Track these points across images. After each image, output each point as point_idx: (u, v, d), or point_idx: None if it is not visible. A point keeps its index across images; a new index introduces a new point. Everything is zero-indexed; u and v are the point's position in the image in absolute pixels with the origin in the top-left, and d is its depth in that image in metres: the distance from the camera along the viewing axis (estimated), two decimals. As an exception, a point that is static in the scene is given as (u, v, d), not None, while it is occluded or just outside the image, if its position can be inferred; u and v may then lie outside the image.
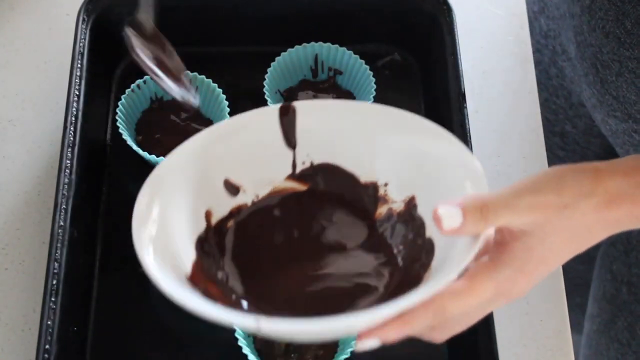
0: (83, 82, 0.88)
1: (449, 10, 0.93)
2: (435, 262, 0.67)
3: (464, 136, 0.86)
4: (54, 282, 0.78)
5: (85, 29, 0.92)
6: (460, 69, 0.90)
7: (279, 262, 0.72)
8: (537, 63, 1.02)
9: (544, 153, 0.94)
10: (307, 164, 0.74)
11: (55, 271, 0.79)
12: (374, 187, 0.74)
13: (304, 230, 0.74)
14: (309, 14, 0.96)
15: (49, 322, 0.77)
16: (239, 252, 0.72)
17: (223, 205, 0.73)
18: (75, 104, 0.87)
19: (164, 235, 0.68)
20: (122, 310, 0.84)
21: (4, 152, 0.92)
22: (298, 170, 0.75)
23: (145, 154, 0.88)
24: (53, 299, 0.78)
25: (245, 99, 0.94)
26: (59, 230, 0.81)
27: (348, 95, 0.94)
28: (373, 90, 0.91)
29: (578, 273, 1.13)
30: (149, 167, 0.90)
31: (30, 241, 0.87)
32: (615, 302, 0.97)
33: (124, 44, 0.96)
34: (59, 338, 0.77)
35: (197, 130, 0.91)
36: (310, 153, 0.74)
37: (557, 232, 0.64)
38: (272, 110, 0.73)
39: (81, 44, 0.90)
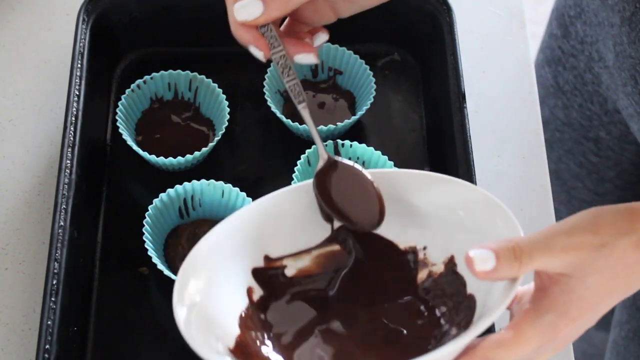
0: (83, 82, 0.88)
1: (449, 10, 0.93)
2: (476, 317, 0.67)
3: (463, 136, 0.86)
4: (54, 282, 0.78)
5: (85, 29, 0.92)
6: (460, 69, 0.90)
7: (322, 334, 0.71)
8: (572, 68, 1.01)
9: (544, 153, 0.94)
10: (347, 236, 0.74)
11: (55, 271, 0.79)
12: (413, 252, 0.73)
13: (347, 302, 0.73)
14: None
15: (49, 322, 0.77)
16: (282, 327, 0.71)
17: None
18: (75, 104, 0.87)
19: (207, 309, 0.68)
20: (122, 310, 0.84)
21: (4, 152, 0.92)
22: (337, 240, 0.74)
23: (145, 154, 0.88)
24: (53, 299, 0.78)
25: (245, 99, 0.95)
26: (59, 230, 0.81)
27: (348, 95, 0.94)
28: (373, 90, 0.91)
29: None
30: (149, 167, 0.90)
31: (30, 241, 0.87)
32: None
33: (123, 43, 0.96)
34: (59, 338, 0.77)
35: (197, 130, 0.92)
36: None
37: (597, 271, 0.61)
38: (308, 184, 0.73)
39: (81, 44, 0.90)
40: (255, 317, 0.71)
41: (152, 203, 0.84)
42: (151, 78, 0.92)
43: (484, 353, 0.60)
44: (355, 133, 0.93)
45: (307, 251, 0.74)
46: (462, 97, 0.88)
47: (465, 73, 0.91)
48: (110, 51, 0.96)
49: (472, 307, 0.68)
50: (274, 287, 0.73)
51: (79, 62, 0.89)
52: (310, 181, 0.73)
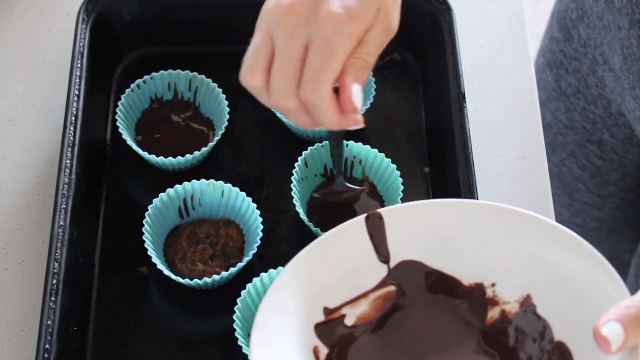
0: (83, 82, 0.88)
1: (449, 10, 0.93)
2: None
3: (463, 136, 0.86)
4: (54, 282, 0.78)
5: (85, 29, 0.92)
6: (460, 69, 0.90)
7: None
8: (575, 72, 1.01)
9: (544, 153, 0.94)
10: (405, 276, 0.71)
11: (55, 271, 0.79)
12: (480, 289, 0.70)
13: (415, 349, 0.69)
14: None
15: (49, 322, 0.77)
16: None
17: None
18: (75, 104, 0.87)
19: None
20: (122, 310, 0.84)
21: (4, 152, 0.92)
22: (394, 280, 0.71)
23: (145, 154, 0.88)
24: (53, 299, 0.78)
25: (245, 99, 0.94)
26: (59, 230, 0.81)
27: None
28: (373, 90, 0.91)
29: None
30: (149, 167, 0.90)
31: (30, 241, 0.87)
32: None
33: (123, 43, 0.96)
34: (59, 338, 0.77)
35: (197, 130, 0.92)
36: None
37: None
38: (358, 222, 0.70)
39: (81, 44, 0.90)
40: None
41: (152, 203, 0.84)
42: (151, 78, 0.92)
43: None
44: (355, 133, 0.92)
45: (364, 295, 0.71)
46: (462, 97, 0.88)
47: (465, 73, 0.91)
48: (110, 51, 0.96)
49: (567, 356, 0.64)
50: (336, 340, 0.70)
51: (79, 62, 0.89)
52: (357, 220, 0.70)
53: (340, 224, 0.71)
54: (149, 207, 0.84)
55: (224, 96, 0.90)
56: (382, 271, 0.71)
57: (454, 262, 0.71)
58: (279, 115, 0.90)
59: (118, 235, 0.87)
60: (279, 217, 0.87)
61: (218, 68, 0.94)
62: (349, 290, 0.71)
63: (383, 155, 0.87)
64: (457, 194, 0.84)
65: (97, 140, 0.92)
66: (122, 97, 0.90)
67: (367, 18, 0.68)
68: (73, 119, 0.86)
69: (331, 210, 0.86)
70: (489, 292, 0.70)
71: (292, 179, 0.85)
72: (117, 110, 0.89)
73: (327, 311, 0.70)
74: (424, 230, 0.71)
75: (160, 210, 0.85)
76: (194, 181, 0.85)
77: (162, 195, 0.85)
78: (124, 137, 0.88)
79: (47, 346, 0.76)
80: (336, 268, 0.70)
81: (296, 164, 0.86)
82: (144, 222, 0.83)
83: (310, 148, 0.87)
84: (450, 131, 0.88)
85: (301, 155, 0.87)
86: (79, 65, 0.89)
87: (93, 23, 0.92)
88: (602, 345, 0.58)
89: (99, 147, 0.92)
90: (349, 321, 0.71)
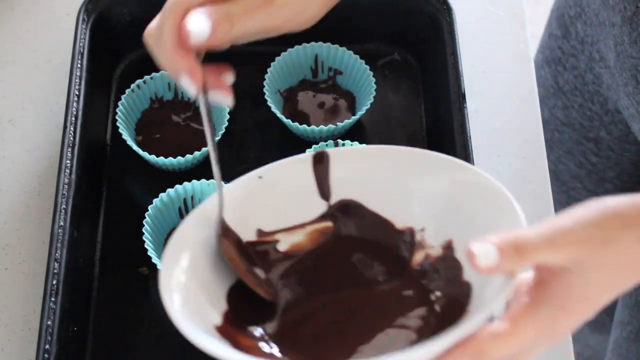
0: (83, 82, 0.88)
1: (449, 10, 0.93)
2: (471, 306, 0.66)
3: (463, 136, 0.86)
4: (54, 282, 0.78)
5: (85, 29, 0.92)
6: (460, 69, 0.90)
7: (313, 312, 0.70)
8: (572, 68, 1.01)
9: (544, 153, 0.94)
10: (343, 212, 0.73)
11: (55, 271, 0.79)
12: (410, 232, 0.72)
13: (339, 281, 0.72)
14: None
15: (49, 322, 0.77)
16: (271, 304, 0.70)
17: None
18: (75, 104, 0.87)
19: (194, 285, 0.67)
20: (122, 310, 0.84)
21: (4, 152, 0.92)
22: (331, 216, 0.73)
23: (145, 154, 0.88)
24: (53, 299, 0.78)
25: (245, 99, 0.94)
26: (59, 230, 0.81)
27: (348, 95, 0.94)
28: (373, 90, 0.91)
29: None
30: (149, 167, 0.90)
31: (30, 241, 0.87)
32: None
33: (123, 43, 0.96)
34: (59, 338, 0.77)
35: (197, 130, 0.92)
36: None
37: (599, 267, 0.61)
38: (305, 158, 0.73)
39: (81, 44, 0.90)
40: (244, 291, 0.70)
41: (152, 203, 0.84)
42: (151, 78, 0.92)
43: (479, 345, 0.60)
44: (355, 133, 0.93)
45: (301, 226, 0.73)
46: (462, 97, 0.88)
47: (465, 73, 0.91)
48: (110, 51, 0.96)
49: (468, 295, 0.67)
50: (266, 261, 0.72)
51: (79, 62, 0.89)
52: (305, 156, 0.72)
53: (289, 157, 0.73)
54: (149, 207, 0.84)
55: (224, 96, 0.90)
56: (321, 206, 0.73)
57: (391, 205, 0.73)
58: (278, 115, 0.90)
59: (118, 235, 0.87)
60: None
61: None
62: (287, 218, 0.73)
63: None
64: (457, 194, 0.84)
65: (97, 140, 0.92)
66: (122, 97, 0.90)
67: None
68: (73, 119, 0.86)
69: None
70: (418, 236, 0.72)
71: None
72: (117, 110, 0.89)
73: (260, 233, 0.72)
74: (366, 173, 0.73)
75: (160, 210, 0.85)
76: (194, 181, 0.85)
77: (162, 195, 0.85)
78: (124, 137, 0.88)
79: (47, 346, 0.76)
80: (277, 195, 0.72)
81: None
82: (144, 222, 0.83)
83: (314, 146, 0.87)
84: (450, 131, 0.88)
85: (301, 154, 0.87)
86: (79, 65, 0.89)
87: (93, 23, 0.92)
88: (470, 259, 0.60)
89: (99, 147, 0.92)
90: (282, 247, 0.73)
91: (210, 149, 0.70)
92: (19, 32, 0.99)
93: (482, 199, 0.69)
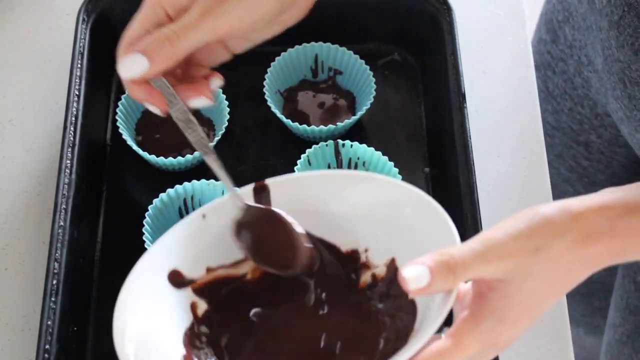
0: (83, 82, 0.88)
1: (449, 10, 0.93)
2: (417, 324, 0.67)
3: (463, 136, 0.86)
4: (54, 282, 0.78)
5: (85, 29, 0.92)
6: (460, 69, 0.90)
7: (265, 343, 0.71)
8: (562, 73, 1.01)
9: (544, 153, 0.94)
10: None
11: (55, 271, 0.79)
12: (355, 254, 0.73)
13: (288, 307, 0.73)
14: (309, 14, 0.96)
15: (49, 322, 0.77)
16: (228, 336, 0.72)
17: None
18: (75, 104, 0.87)
19: (149, 331, 0.68)
20: (122, 310, 0.84)
21: (4, 152, 0.92)
22: None
23: (145, 154, 0.88)
24: (53, 299, 0.78)
25: (245, 99, 0.95)
26: (59, 230, 0.81)
27: (348, 95, 0.94)
28: (373, 90, 0.91)
29: (598, 277, 1.13)
30: (149, 167, 0.90)
31: (30, 241, 0.87)
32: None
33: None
34: (59, 338, 0.77)
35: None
36: None
37: (534, 276, 0.61)
38: (245, 192, 0.73)
39: (81, 44, 0.90)
40: (201, 332, 0.71)
41: (152, 203, 0.84)
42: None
43: None
44: (355, 133, 0.93)
45: (247, 259, 0.74)
46: (462, 97, 0.88)
47: (465, 73, 0.91)
48: (110, 51, 0.95)
49: (414, 313, 0.67)
50: (217, 298, 0.72)
51: (79, 62, 0.89)
52: (245, 190, 0.73)
53: (227, 192, 0.73)
54: (149, 207, 0.84)
55: (224, 96, 0.90)
56: None
57: (333, 230, 0.73)
58: (278, 115, 0.90)
59: (118, 235, 0.87)
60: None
61: (218, 68, 0.94)
62: (231, 254, 0.73)
63: (386, 158, 0.87)
64: (457, 194, 0.84)
65: (97, 140, 0.92)
66: (122, 97, 0.90)
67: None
68: (73, 119, 0.86)
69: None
70: (362, 257, 0.73)
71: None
72: (117, 110, 0.89)
73: (209, 270, 0.73)
74: (306, 200, 0.73)
75: (160, 210, 0.85)
76: (194, 181, 0.85)
77: (162, 195, 0.85)
78: (124, 137, 0.88)
79: (47, 346, 0.76)
80: (222, 232, 0.73)
81: (298, 161, 0.86)
82: (144, 222, 0.83)
83: (314, 146, 0.87)
84: (450, 131, 0.88)
85: (301, 154, 0.87)
86: (79, 65, 0.89)
87: (93, 23, 0.92)
88: (402, 284, 0.60)
89: (99, 147, 0.92)
90: (228, 285, 0.73)
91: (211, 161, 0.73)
92: (19, 32, 0.99)
93: (416, 215, 0.69)
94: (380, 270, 0.72)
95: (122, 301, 0.68)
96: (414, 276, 0.60)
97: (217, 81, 0.74)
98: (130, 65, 0.69)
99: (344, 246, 0.74)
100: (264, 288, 0.74)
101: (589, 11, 0.90)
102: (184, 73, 0.74)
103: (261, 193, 0.73)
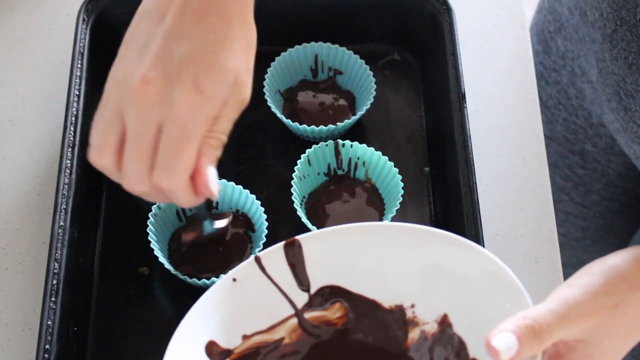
0: (83, 82, 0.88)
1: (449, 10, 0.93)
2: None
3: (463, 136, 0.86)
4: (54, 282, 0.78)
5: (85, 29, 0.92)
6: (460, 69, 0.90)
7: None
8: (555, 83, 1.01)
9: (544, 153, 0.94)
10: (323, 299, 0.72)
11: (55, 271, 0.79)
12: (400, 310, 0.71)
13: None
14: (309, 14, 0.96)
15: (49, 322, 0.77)
16: None
17: None
18: (75, 104, 0.87)
19: None
20: (122, 310, 0.84)
21: (4, 152, 0.92)
22: (313, 306, 0.72)
23: (145, 154, 0.88)
24: (53, 299, 0.78)
25: (245, 99, 0.94)
26: (59, 230, 0.81)
27: (348, 95, 0.94)
28: (373, 90, 0.91)
29: None
30: (149, 167, 0.90)
31: (30, 241, 0.87)
32: None
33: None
34: (59, 338, 0.77)
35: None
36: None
37: (612, 332, 0.60)
38: (276, 249, 0.71)
39: (81, 44, 0.90)
40: None
41: (151, 203, 0.84)
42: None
43: None
44: (355, 133, 0.93)
45: (283, 322, 0.72)
46: (462, 97, 0.88)
47: (465, 73, 0.91)
48: (110, 51, 0.95)
49: None
50: None
51: (79, 62, 0.89)
52: (276, 247, 0.71)
53: (260, 252, 0.72)
54: (152, 208, 0.84)
55: (224, 96, 0.90)
56: (302, 298, 0.72)
57: (373, 284, 0.71)
58: (279, 115, 0.90)
59: (118, 235, 0.87)
60: (279, 216, 0.87)
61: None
62: (268, 318, 0.71)
63: (386, 158, 0.87)
64: (457, 194, 0.84)
65: (97, 140, 0.92)
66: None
67: (222, 95, 0.64)
68: (73, 119, 0.86)
69: (329, 209, 0.86)
70: (409, 313, 0.70)
71: (293, 175, 0.85)
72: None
73: (246, 337, 0.71)
74: (340, 255, 0.71)
75: (163, 210, 0.85)
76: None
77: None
78: (124, 137, 0.88)
79: (47, 346, 0.76)
80: (255, 294, 0.70)
81: (298, 161, 0.86)
82: (148, 223, 0.83)
83: (314, 146, 0.87)
84: (450, 131, 0.88)
85: (301, 154, 0.87)
86: (79, 65, 0.89)
87: (93, 23, 0.92)
88: (493, 356, 0.58)
89: (99, 147, 0.92)
90: (273, 351, 0.71)
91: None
92: (19, 32, 0.99)
93: (475, 270, 0.67)
94: (431, 327, 0.69)
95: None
96: (504, 345, 0.57)
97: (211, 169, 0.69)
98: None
99: (386, 302, 0.71)
100: (303, 351, 0.71)
101: (581, 23, 0.90)
102: None
103: (292, 250, 0.71)
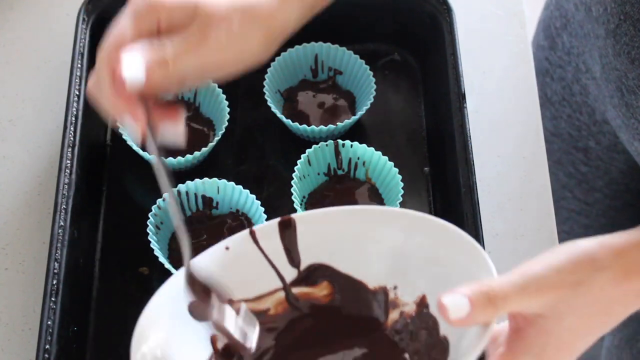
0: (83, 82, 0.88)
1: (449, 10, 0.93)
2: None
3: (463, 136, 0.86)
4: (54, 282, 0.78)
5: (85, 29, 0.92)
6: (460, 69, 0.90)
7: None
8: (560, 79, 1.01)
9: (544, 153, 0.94)
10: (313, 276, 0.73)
11: (55, 271, 0.79)
12: (384, 292, 0.72)
13: (312, 344, 0.71)
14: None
15: (49, 322, 0.77)
16: None
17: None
18: (75, 104, 0.87)
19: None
20: (122, 310, 0.84)
21: (4, 152, 0.92)
22: (302, 282, 0.73)
23: (145, 154, 0.88)
24: (53, 299, 0.78)
25: (245, 99, 0.95)
26: (59, 230, 0.81)
27: (348, 95, 0.94)
28: (373, 90, 0.91)
29: None
30: (149, 167, 0.90)
31: (30, 241, 0.87)
32: (639, 318, 0.96)
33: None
34: (59, 338, 0.77)
35: (197, 130, 0.92)
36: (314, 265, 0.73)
37: (574, 311, 0.60)
38: (271, 225, 0.72)
39: (81, 44, 0.90)
40: None
41: (151, 203, 0.84)
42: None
43: None
44: (355, 133, 0.93)
45: (270, 293, 0.73)
46: (462, 97, 0.88)
47: (465, 73, 0.91)
48: (110, 51, 0.95)
49: (445, 350, 0.66)
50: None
51: (79, 62, 0.89)
52: (272, 222, 0.72)
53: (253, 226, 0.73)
54: (152, 208, 0.84)
55: (224, 96, 0.90)
56: (292, 273, 0.73)
57: (360, 266, 0.72)
58: (278, 115, 0.90)
59: (118, 235, 0.87)
60: (279, 217, 0.87)
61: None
62: (257, 287, 0.73)
63: (386, 158, 0.87)
64: (457, 194, 0.84)
65: (97, 140, 0.92)
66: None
67: None
68: (73, 119, 0.86)
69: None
70: (391, 294, 0.72)
71: (293, 175, 0.85)
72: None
73: (231, 302, 0.71)
74: (333, 235, 0.72)
75: (163, 210, 0.85)
76: (188, 182, 0.85)
77: (158, 200, 0.84)
78: (124, 137, 0.88)
79: (47, 346, 0.76)
80: (245, 265, 0.72)
81: (298, 161, 0.86)
82: (148, 223, 0.83)
83: (314, 146, 0.87)
84: (450, 131, 0.88)
85: (301, 154, 0.87)
86: (79, 65, 0.89)
87: (93, 23, 0.92)
88: (442, 313, 0.59)
89: (99, 147, 0.92)
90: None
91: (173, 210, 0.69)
92: (19, 32, 0.99)
93: (449, 250, 0.68)
94: (409, 308, 0.70)
95: (141, 326, 0.67)
96: (453, 305, 0.59)
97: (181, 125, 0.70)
98: (131, 70, 0.66)
99: (372, 283, 0.72)
100: (286, 323, 0.72)
101: (586, 19, 0.90)
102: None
103: (286, 228, 0.72)
